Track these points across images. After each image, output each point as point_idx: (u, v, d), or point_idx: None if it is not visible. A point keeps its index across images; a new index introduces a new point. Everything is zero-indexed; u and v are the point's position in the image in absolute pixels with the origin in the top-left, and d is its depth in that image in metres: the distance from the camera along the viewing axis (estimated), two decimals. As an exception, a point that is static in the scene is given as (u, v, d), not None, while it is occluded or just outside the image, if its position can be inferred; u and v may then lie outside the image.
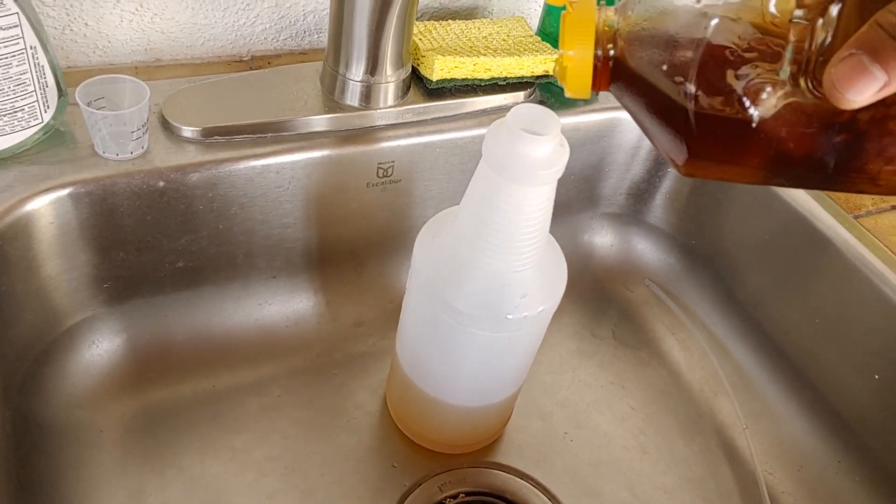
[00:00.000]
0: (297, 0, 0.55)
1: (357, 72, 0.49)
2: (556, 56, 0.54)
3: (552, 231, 0.63)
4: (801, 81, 0.25)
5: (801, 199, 0.52)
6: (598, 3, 0.29)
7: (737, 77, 0.26)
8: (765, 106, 0.26)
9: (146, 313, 0.51)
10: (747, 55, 0.25)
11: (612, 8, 0.30)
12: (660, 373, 0.58)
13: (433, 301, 0.41)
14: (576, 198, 0.62)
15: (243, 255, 0.51)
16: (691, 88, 0.27)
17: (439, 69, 0.51)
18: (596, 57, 0.29)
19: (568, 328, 0.61)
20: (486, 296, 0.40)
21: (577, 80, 0.29)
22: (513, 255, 0.39)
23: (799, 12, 0.25)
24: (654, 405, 0.56)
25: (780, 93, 0.25)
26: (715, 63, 0.26)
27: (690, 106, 0.27)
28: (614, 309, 0.63)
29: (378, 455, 0.50)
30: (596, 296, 0.63)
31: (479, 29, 0.56)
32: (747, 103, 0.26)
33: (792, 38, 0.25)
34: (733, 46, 0.26)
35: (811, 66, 0.25)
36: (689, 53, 0.26)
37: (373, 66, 0.48)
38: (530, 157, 0.36)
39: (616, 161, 0.60)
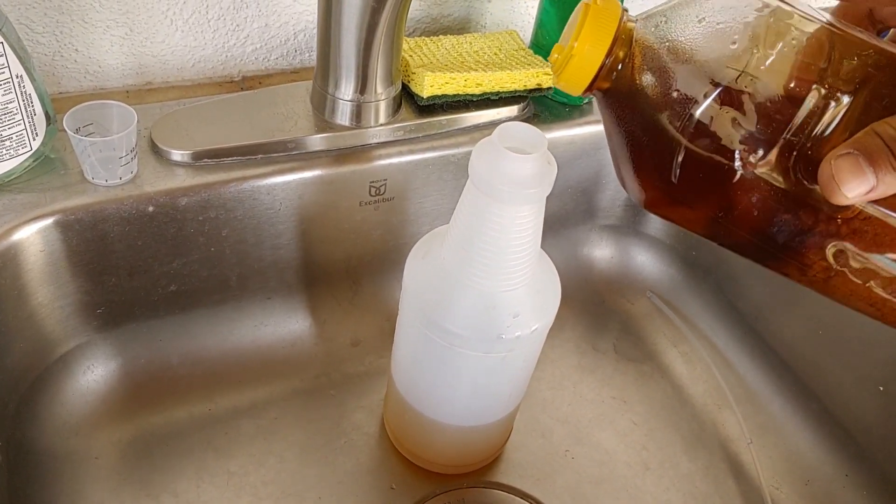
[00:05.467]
0: (288, 19, 0.55)
1: (346, 91, 0.48)
2: (547, 69, 0.54)
3: (552, 245, 0.63)
4: (790, 158, 0.26)
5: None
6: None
7: (740, 128, 0.26)
8: (750, 167, 0.26)
9: (140, 337, 0.50)
10: (757, 112, 0.26)
11: (636, 16, 0.29)
12: (662, 386, 0.57)
13: (424, 322, 0.41)
14: (574, 210, 0.61)
15: (236, 277, 0.51)
16: (691, 123, 0.26)
17: (430, 85, 0.50)
18: (605, 57, 0.28)
19: (569, 343, 0.60)
20: (476, 316, 0.39)
21: (578, 75, 0.29)
22: (503, 275, 0.39)
23: (812, 97, 0.25)
24: (656, 420, 0.55)
25: (769, 158, 0.26)
26: (725, 106, 0.26)
27: (684, 140, 0.26)
28: (616, 322, 0.62)
29: (376, 477, 0.49)
30: (597, 309, 0.63)
31: (470, 43, 0.55)
32: (737, 157, 0.26)
33: (801, 115, 0.25)
34: (748, 98, 0.26)
35: (804, 148, 0.26)
36: (704, 89, 0.26)
37: (362, 84, 0.48)
38: (516, 175, 0.35)
39: (612, 173, 0.60)
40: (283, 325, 0.55)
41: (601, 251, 0.64)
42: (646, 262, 0.64)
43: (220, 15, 0.52)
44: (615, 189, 0.61)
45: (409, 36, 0.59)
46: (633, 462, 0.52)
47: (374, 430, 0.52)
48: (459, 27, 0.61)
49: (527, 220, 0.37)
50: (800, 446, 0.52)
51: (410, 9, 0.58)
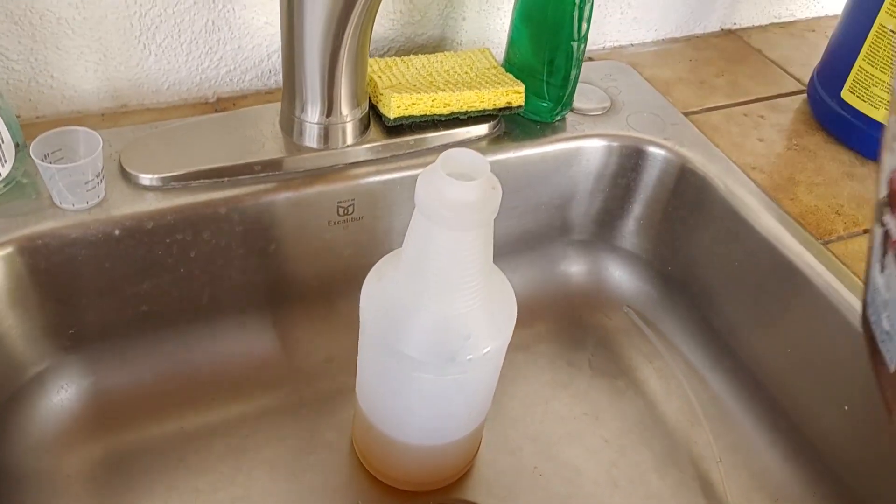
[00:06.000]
0: (261, 41, 0.56)
1: (313, 114, 0.49)
2: (517, 87, 0.54)
3: (527, 261, 0.64)
4: None
5: (769, 224, 0.51)
6: None
7: None
8: None
9: (113, 357, 0.51)
10: None
11: None
12: (636, 403, 0.57)
13: (379, 345, 0.41)
14: (548, 226, 0.61)
15: (208, 297, 0.52)
16: None
17: (396, 107, 0.51)
18: None
19: (543, 358, 0.60)
20: (428, 340, 0.40)
21: None
22: (453, 298, 0.39)
23: None
24: (628, 437, 0.55)
25: None
26: None
27: None
28: (591, 337, 0.62)
29: (343, 495, 0.50)
30: (573, 324, 0.63)
31: (441, 63, 0.56)
32: None
33: None
34: None
35: None
36: None
37: (328, 107, 0.49)
38: (459, 201, 0.35)
39: (585, 189, 0.60)
40: (256, 344, 0.55)
41: (577, 267, 0.64)
42: (623, 276, 0.64)
43: (193, 38, 0.53)
44: (589, 205, 0.61)
45: (383, 56, 0.60)
46: (602, 480, 0.52)
47: (343, 447, 0.52)
48: (434, 46, 0.62)
49: (473, 244, 0.37)
50: (769, 465, 0.52)
51: (384, 29, 0.59)
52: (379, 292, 0.41)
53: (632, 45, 0.69)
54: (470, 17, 0.61)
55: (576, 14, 0.51)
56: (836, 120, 0.58)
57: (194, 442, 0.51)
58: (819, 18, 0.77)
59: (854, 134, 0.57)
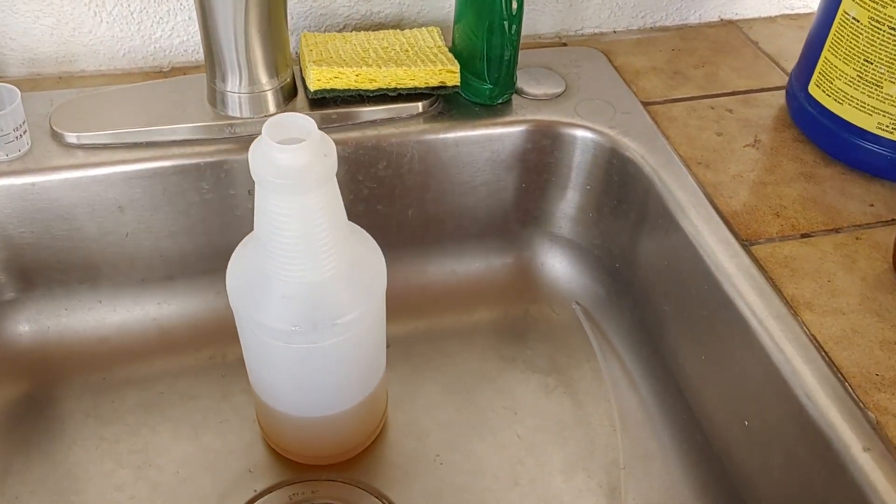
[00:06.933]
0: (213, 13, 0.57)
1: (233, 83, 0.50)
2: (451, 67, 0.53)
3: (481, 247, 0.62)
4: None
5: (693, 222, 0.48)
6: None
7: None
8: None
9: (45, 305, 0.54)
10: None
11: None
12: (561, 402, 0.55)
13: (243, 317, 0.42)
14: (493, 212, 0.59)
15: (134, 256, 0.54)
16: None
17: (315, 80, 0.51)
18: None
19: (476, 348, 0.58)
20: (287, 309, 0.40)
21: None
22: (304, 266, 0.39)
23: None
24: (542, 435, 0.53)
25: None
26: None
27: None
28: (534, 331, 0.60)
29: (238, 459, 0.51)
30: (518, 316, 0.61)
31: (381, 39, 0.55)
32: None
33: None
34: None
35: None
36: None
37: (246, 76, 0.50)
38: (286, 166, 0.35)
39: (543, 178, 0.58)
40: (186, 305, 0.57)
41: (534, 257, 0.62)
42: (573, 271, 0.61)
43: (143, 8, 0.55)
44: (530, 192, 0.58)
45: (320, 31, 0.60)
46: (504, 476, 0.50)
47: (251, 414, 0.53)
48: (394, 24, 0.61)
49: (313, 208, 0.37)
50: (677, 478, 0.48)
51: (338, 4, 0.59)
52: (239, 267, 0.42)
53: (615, 31, 0.66)
54: (430, -4, 0.60)
55: (503, -8, 0.49)
56: (804, 116, 0.53)
57: (111, 393, 0.53)
58: (841, 12, 0.70)
59: (820, 131, 0.52)
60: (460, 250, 0.61)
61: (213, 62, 0.49)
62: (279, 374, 0.44)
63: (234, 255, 0.43)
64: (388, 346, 0.57)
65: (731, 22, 0.68)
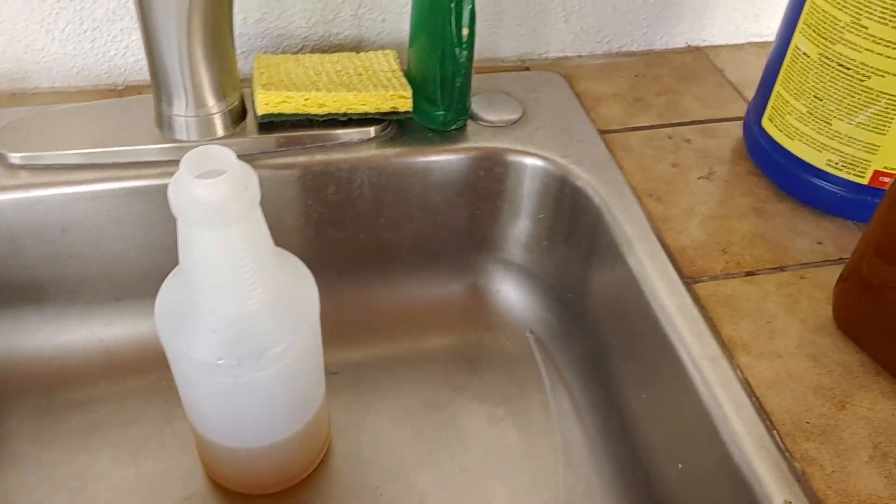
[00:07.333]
0: (168, 33, 0.57)
1: (179, 107, 0.49)
2: (403, 92, 0.52)
3: (437, 273, 0.61)
4: None
5: (637, 257, 0.47)
6: None
7: None
8: None
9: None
10: None
11: None
12: (507, 434, 0.54)
13: (172, 350, 0.41)
14: (454, 241, 0.59)
15: (81, 277, 0.53)
16: None
17: (263, 104, 0.50)
18: None
19: (427, 376, 0.58)
20: (212, 342, 0.39)
21: None
22: (229, 299, 0.38)
23: None
24: (486, 468, 0.52)
25: None
26: None
27: None
28: (486, 359, 0.59)
29: (175, 486, 0.50)
30: (472, 343, 0.60)
31: (334, 63, 0.55)
32: None
33: None
34: None
35: None
36: None
37: (192, 99, 0.49)
38: (205, 201, 0.35)
39: (496, 205, 0.57)
40: (134, 327, 0.56)
41: (490, 285, 0.61)
42: (527, 300, 0.60)
43: (95, 26, 0.55)
44: (501, 223, 0.58)
45: (273, 53, 0.59)
46: (445, 508, 0.50)
47: (192, 440, 0.52)
48: (353, 46, 0.61)
49: (235, 241, 0.36)
50: (616, 517, 0.48)
51: (295, 26, 0.59)
52: (169, 296, 0.41)
53: (579, 56, 0.66)
54: (390, 18, 0.60)
55: (452, 20, 0.49)
56: (758, 150, 0.53)
57: (53, 416, 0.53)
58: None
59: (773, 166, 0.51)
60: (413, 276, 0.60)
61: (158, 85, 0.49)
62: (210, 405, 0.44)
63: (165, 282, 0.42)
64: (334, 373, 0.56)
65: (697, 48, 0.68)
